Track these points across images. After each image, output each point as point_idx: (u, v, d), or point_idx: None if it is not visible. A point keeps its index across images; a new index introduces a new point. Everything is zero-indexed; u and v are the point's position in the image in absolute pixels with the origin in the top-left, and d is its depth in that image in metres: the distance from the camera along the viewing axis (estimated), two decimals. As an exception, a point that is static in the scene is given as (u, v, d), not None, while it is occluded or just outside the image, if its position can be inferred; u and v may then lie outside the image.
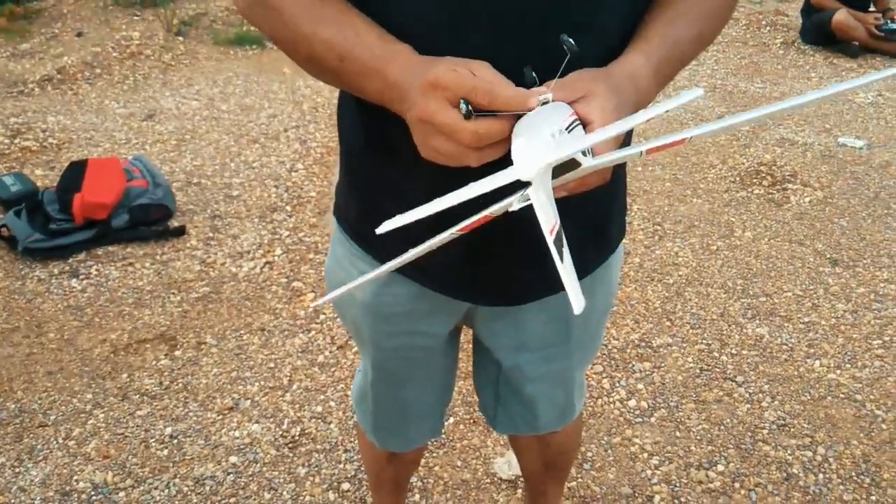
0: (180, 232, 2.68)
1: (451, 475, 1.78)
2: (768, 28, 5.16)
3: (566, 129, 0.67)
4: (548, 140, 0.64)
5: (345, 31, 0.71)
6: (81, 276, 2.45)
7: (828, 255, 2.68)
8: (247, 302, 2.36)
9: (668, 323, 2.33)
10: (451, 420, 1.93)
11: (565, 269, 0.61)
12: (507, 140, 0.67)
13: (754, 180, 3.17)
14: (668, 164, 3.36)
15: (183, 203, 2.86)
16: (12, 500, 1.68)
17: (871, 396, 2.04)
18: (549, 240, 0.61)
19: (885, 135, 3.64)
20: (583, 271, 0.90)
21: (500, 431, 1.24)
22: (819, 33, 4.76)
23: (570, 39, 0.69)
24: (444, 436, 1.88)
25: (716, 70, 4.44)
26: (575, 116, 0.69)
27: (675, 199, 3.06)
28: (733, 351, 2.21)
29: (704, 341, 2.25)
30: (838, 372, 2.13)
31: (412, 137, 0.70)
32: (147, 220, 2.67)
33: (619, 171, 0.94)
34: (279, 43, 0.77)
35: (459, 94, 0.64)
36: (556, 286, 0.91)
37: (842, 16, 4.62)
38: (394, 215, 0.88)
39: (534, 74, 0.72)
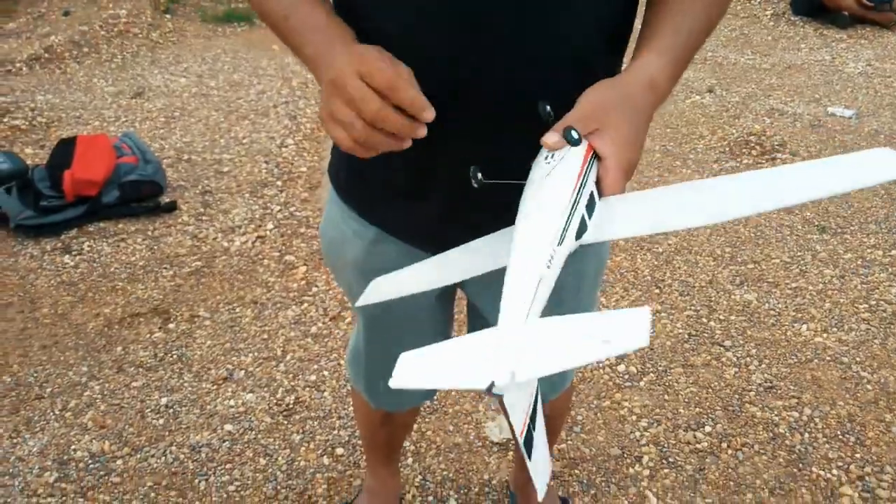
0: (171, 208, 2.68)
1: (444, 439, 1.80)
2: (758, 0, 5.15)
3: (572, 214, 0.68)
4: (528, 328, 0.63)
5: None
6: (74, 252, 2.46)
7: (816, 223, 2.70)
8: (239, 276, 2.38)
9: (657, 290, 2.36)
10: (444, 387, 1.95)
11: (533, 466, 0.65)
12: (402, 140, 0.71)
13: (744, 150, 3.19)
14: (659, 135, 3.37)
15: (173, 179, 2.87)
16: (11, 470, 1.70)
17: (857, 358, 2.07)
18: (519, 441, 0.64)
19: (874, 104, 3.65)
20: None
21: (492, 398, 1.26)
22: (809, 4, 4.75)
23: (548, 107, 0.72)
24: (436, 402, 1.91)
25: (706, 42, 4.43)
26: (589, 155, 0.71)
27: (665, 170, 3.07)
28: (721, 317, 2.24)
29: (693, 308, 2.28)
30: (825, 335, 2.16)
31: None
32: (138, 196, 2.67)
33: None
34: None
35: (376, 75, 0.68)
36: None
37: (832, -14, 4.62)
38: (377, 175, 0.91)
39: (548, 109, 0.74)
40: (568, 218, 0.68)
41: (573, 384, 1.42)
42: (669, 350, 2.11)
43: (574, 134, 0.70)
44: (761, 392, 1.96)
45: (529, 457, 0.65)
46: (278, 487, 1.67)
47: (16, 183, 2.59)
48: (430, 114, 0.69)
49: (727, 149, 3.21)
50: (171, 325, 2.16)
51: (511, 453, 1.75)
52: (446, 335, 1.18)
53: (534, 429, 0.65)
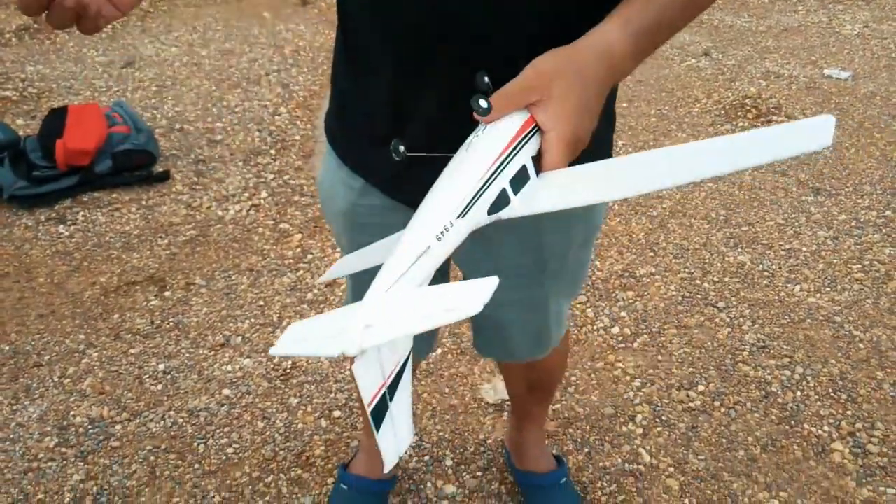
0: (165, 177, 2.67)
1: (440, 401, 1.82)
2: (756, -39, 5.08)
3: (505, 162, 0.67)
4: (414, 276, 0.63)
5: None
6: (68, 222, 2.45)
7: (811, 185, 2.70)
8: (234, 244, 2.38)
9: (651, 254, 2.36)
10: (439, 351, 1.97)
11: (381, 438, 0.63)
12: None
13: (739, 113, 3.17)
14: (654, 99, 3.35)
15: (166, 149, 2.85)
16: (11, 436, 1.72)
17: (850, 318, 2.09)
18: (367, 411, 0.62)
19: (871, 66, 3.63)
20: None
21: (481, 354, 1.27)
22: (807, -35, 4.69)
23: (486, 78, 0.70)
24: (431, 365, 1.92)
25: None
26: (529, 126, 0.69)
27: (660, 134, 3.06)
28: (715, 278, 2.25)
29: (687, 270, 2.29)
30: (818, 296, 2.17)
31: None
32: (130, 165, 2.66)
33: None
34: None
35: None
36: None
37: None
38: (359, 121, 0.93)
39: (486, 79, 0.71)
40: (479, 191, 0.66)
41: (567, 346, 1.43)
42: (663, 312, 2.12)
43: (482, 103, 0.67)
44: (754, 352, 1.98)
45: (377, 428, 0.63)
46: (276, 449, 1.69)
47: (8, 154, 2.58)
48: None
49: (723, 112, 3.20)
50: (167, 293, 2.16)
51: (506, 414, 1.78)
52: None
53: (390, 399, 0.63)
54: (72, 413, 1.78)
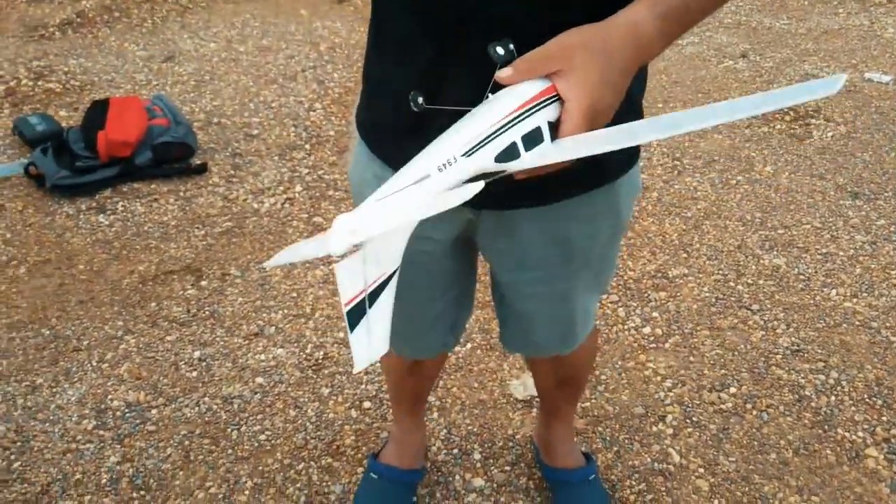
0: (202, 169, 2.72)
1: (469, 395, 1.83)
2: (796, -37, 5.01)
3: (518, 117, 0.68)
4: (414, 194, 0.66)
5: None
6: (108, 212, 2.51)
7: (849, 189, 2.66)
8: (269, 236, 2.41)
9: (684, 255, 2.35)
10: (469, 346, 1.98)
11: (354, 338, 0.68)
12: None
13: (776, 116, 3.14)
14: (690, 100, 3.33)
15: (204, 142, 2.90)
16: (51, 417, 1.77)
17: (887, 324, 2.05)
18: (344, 310, 0.66)
19: (914, 69, 3.56)
20: (567, 185, 0.93)
21: (507, 349, 1.28)
22: (849, -33, 4.61)
23: (511, 45, 0.70)
24: (461, 359, 1.93)
25: (741, 6, 4.34)
26: (549, 94, 0.70)
27: (695, 135, 3.04)
28: (749, 281, 2.22)
29: (721, 272, 2.27)
30: (854, 300, 2.14)
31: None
32: (169, 157, 2.71)
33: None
34: None
35: None
36: (546, 196, 0.94)
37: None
38: (388, 113, 0.96)
39: (511, 47, 0.71)
40: (489, 136, 0.67)
41: (595, 344, 1.43)
42: (696, 313, 2.11)
43: (499, 49, 0.69)
44: (788, 355, 1.95)
45: (351, 329, 0.68)
46: (307, 437, 1.71)
47: (51, 144, 2.64)
48: None
49: (760, 114, 3.15)
50: (204, 283, 2.20)
51: (535, 410, 1.78)
52: (460, 287, 1.19)
53: (369, 306, 0.67)
54: (109, 397, 1.82)
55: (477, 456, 1.68)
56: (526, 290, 1.09)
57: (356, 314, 0.67)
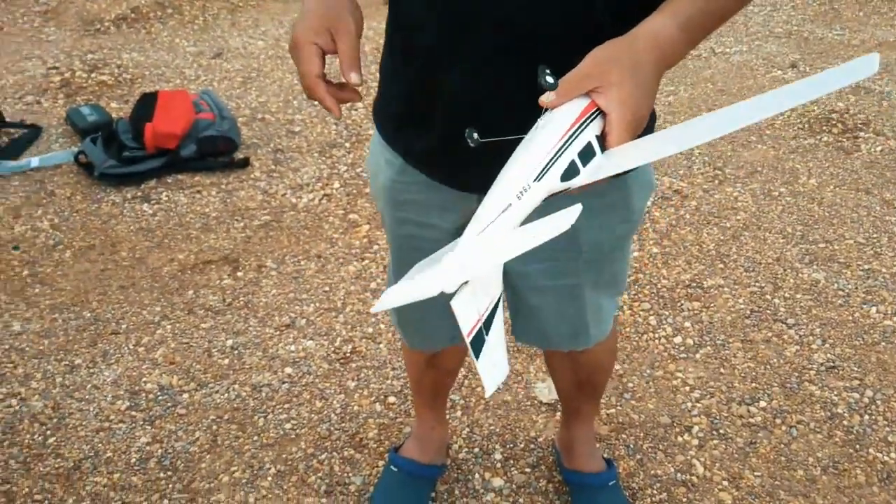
0: (245, 163, 2.78)
1: (493, 396, 1.84)
2: (853, -27, 4.89)
3: (573, 135, 0.74)
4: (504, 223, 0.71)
5: None
6: (152, 201, 2.58)
7: (895, 205, 2.59)
8: (305, 230, 2.45)
9: (721, 265, 2.31)
10: (497, 346, 1.98)
11: (481, 365, 0.73)
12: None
13: (824, 128, 3.07)
14: (734, 110, 3.27)
15: (247, 137, 2.96)
16: (87, 396, 1.83)
17: (929, 344, 1.99)
18: (467, 341, 0.71)
19: (972, 85, 3.44)
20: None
21: (519, 341, 1.28)
22: (908, -22, 4.48)
23: (548, 71, 0.75)
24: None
25: (792, 15, 4.25)
26: (592, 110, 0.75)
27: (738, 145, 2.99)
28: (786, 294, 2.18)
29: (757, 284, 2.23)
30: (895, 319, 2.08)
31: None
32: (214, 151, 2.78)
33: None
34: None
35: (311, 38, 0.86)
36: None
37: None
38: (397, 101, 1.02)
39: (548, 74, 0.76)
40: (552, 159, 0.73)
41: (614, 346, 1.42)
42: (729, 325, 2.08)
43: (548, 77, 0.74)
44: (822, 371, 1.91)
45: (476, 357, 0.72)
46: (332, 428, 1.73)
47: (101, 134, 2.73)
48: (337, 112, 0.87)
49: (806, 125, 3.09)
50: (240, 274, 2.25)
51: (559, 413, 1.77)
52: None
53: (486, 333, 0.72)
54: (143, 379, 1.88)
55: (498, 456, 1.69)
56: (533, 282, 1.10)
57: (478, 343, 0.72)
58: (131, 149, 2.68)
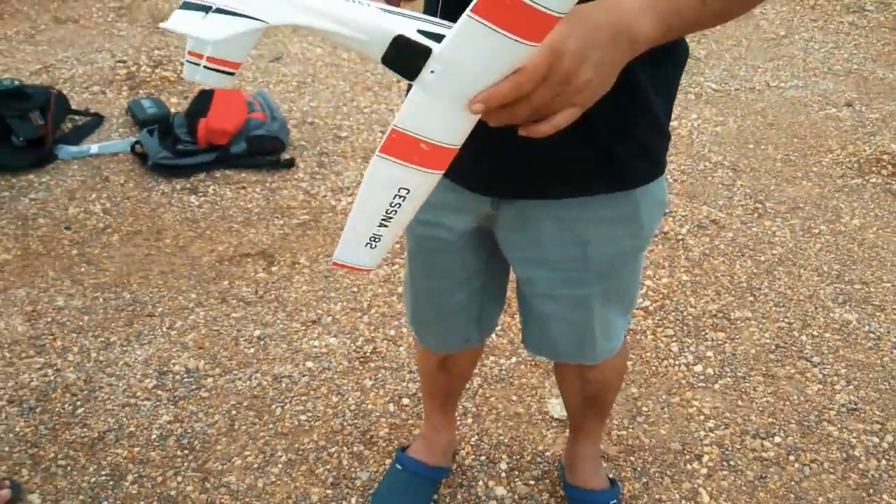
0: (290, 164, 2.87)
1: (506, 407, 1.86)
2: (923, 15, 4.77)
3: None
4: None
5: None
6: (199, 194, 2.69)
7: (941, 251, 2.52)
8: (341, 232, 2.51)
9: (750, 298, 2.29)
10: (514, 360, 2.01)
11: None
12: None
13: (873, 168, 3.01)
14: (783, 144, 3.23)
15: (296, 139, 3.06)
16: (118, 372, 1.92)
17: (960, 395, 1.94)
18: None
19: None
20: (578, 181, 0.98)
21: (528, 350, 1.30)
22: (980, 23, 4.35)
23: None
24: (503, 372, 1.96)
25: (854, 54, 4.17)
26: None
27: (783, 180, 2.95)
28: (815, 332, 2.15)
29: (786, 320, 2.20)
30: (927, 367, 2.03)
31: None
32: (262, 150, 2.88)
33: (638, 103, 0.94)
34: None
35: None
36: (559, 190, 0.98)
37: None
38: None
39: None
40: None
41: (623, 364, 1.43)
42: (752, 358, 2.06)
43: None
44: (843, 413, 1.88)
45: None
46: (344, 424, 1.78)
47: (158, 126, 2.86)
48: None
49: (856, 165, 3.04)
50: (274, 268, 2.33)
51: (568, 431, 1.78)
52: (484, 280, 1.22)
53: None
54: (172, 361, 1.96)
55: (503, 466, 1.71)
56: (542, 290, 1.12)
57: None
58: (185, 142, 2.80)
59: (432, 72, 0.70)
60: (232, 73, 0.74)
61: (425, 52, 0.69)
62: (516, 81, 0.67)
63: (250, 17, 0.70)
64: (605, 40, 0.68)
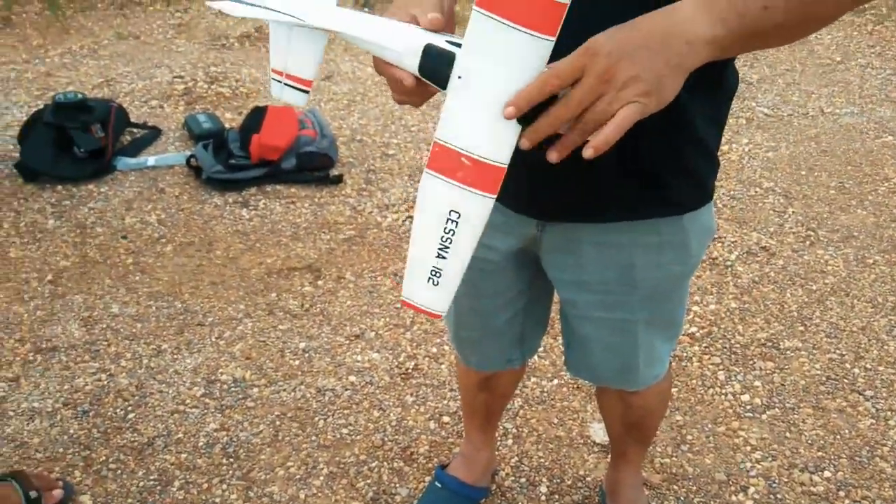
0: (338, 180, 2.92)
1: (547, 430, 1.85)
2: None
3: None
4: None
5: None
6: (250, 207, 2.75)
7: None
8: (386, 248, 2.55)
9: (801, 328, 2.24)
10: (556, 382, 2.00)
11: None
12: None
13: (932, 198, 2.92)
14: (837, 171, 3.17)
15: (344, 156, 3.11)
16: (168, 380, 1.97)
17: None
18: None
19: None
20: (626, 206, 0.97)
21: (570, 373, 1.30)
22: None
23: None
24: (545, 394, 1.95)
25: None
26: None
27: (836, 208, 2.89)
28: (868, 365, 2.09)
29: (838, 351, 2.15)
30: None
31: None
32: (312, 166, 2.94)
33: (686, 130, 0.94)
34: None
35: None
36: (605, 213, 0.98)
37: None
38: None
39: None
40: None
41: (667, 392, 1.41)
42: (802, 389, 2.01)
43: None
44: (897, 449, 1.82)
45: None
46: (385, 439, 1.79)
47: (212, 141, 2.94)
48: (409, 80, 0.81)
49: None
50: (320, 282, 2.37)
51: (610, 457, 1.76)
52: (527, 301, 1.22)
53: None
54: (220, 370, 2.00)
55: (543, 489, 1.70)
56: (585, 312, 1.12)
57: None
58: (237, 157, 2.87)
59: (459, 77, 0.71)
60: (307, 91, 0.80)
61: (450, 58, 0.72)
62: (541, 79, 0.67)
63: (289, 15, 0.77)
64: (654, 41, 0.67)
